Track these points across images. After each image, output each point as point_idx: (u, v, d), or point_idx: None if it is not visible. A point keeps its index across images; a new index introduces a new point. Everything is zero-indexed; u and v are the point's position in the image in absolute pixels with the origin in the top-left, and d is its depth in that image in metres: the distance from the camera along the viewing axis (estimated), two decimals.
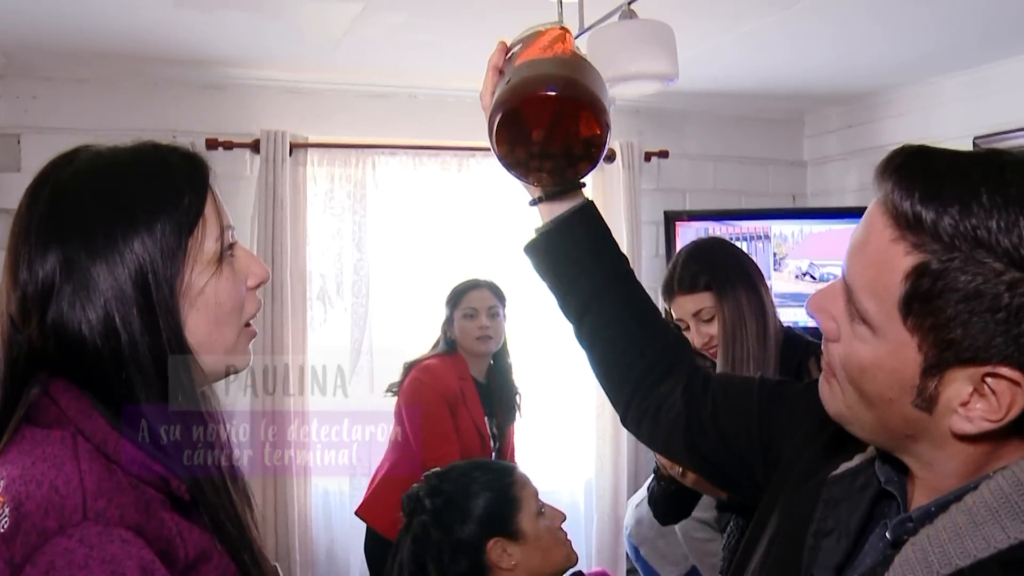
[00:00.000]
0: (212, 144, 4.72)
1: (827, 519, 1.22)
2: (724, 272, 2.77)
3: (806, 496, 1.29)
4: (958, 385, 1.02)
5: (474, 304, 4.17)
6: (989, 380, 1.00)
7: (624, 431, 5.08)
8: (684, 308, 2.81)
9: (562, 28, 1.62)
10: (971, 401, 1.02)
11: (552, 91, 1.46)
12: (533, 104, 1.49)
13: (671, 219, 5.52)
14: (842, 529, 1.19)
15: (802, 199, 5.99)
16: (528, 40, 1.62)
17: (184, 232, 1.26)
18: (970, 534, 1.01)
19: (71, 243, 1.22)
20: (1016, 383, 0.98)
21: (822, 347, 1.19)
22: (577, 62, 1.54)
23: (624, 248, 5.05)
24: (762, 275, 2.88)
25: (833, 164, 5.83)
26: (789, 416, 1.49)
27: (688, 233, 5.43)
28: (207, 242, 1.29)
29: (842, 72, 4.96)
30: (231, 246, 1.33)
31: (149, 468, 1.20)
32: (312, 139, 4.97)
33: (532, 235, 1.78)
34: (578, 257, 1.71)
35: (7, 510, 1.11)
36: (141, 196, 1.26)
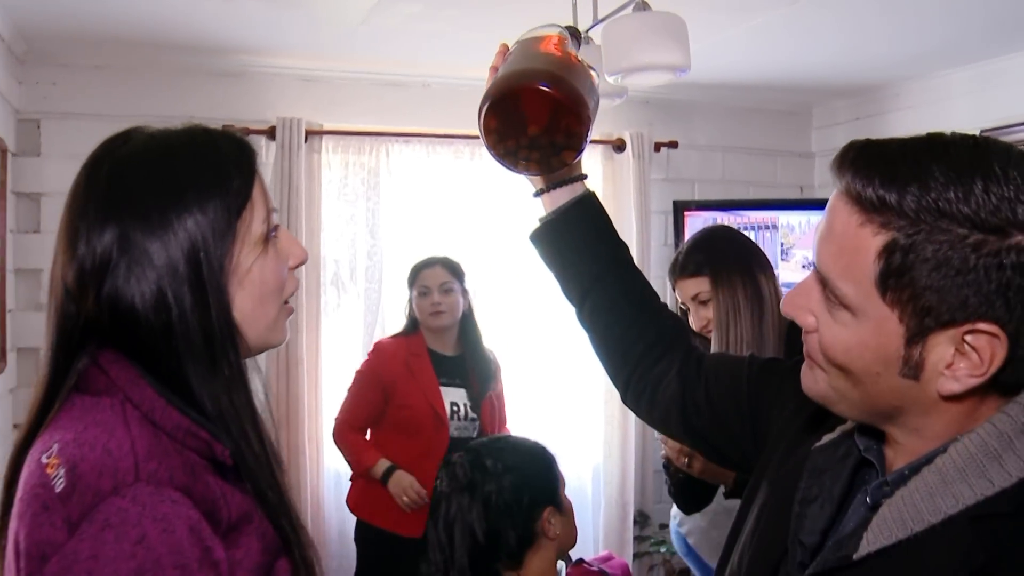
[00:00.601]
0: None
1: (812, 487, 1.29)
2: (722, 259, 2.89)
3: (792, 467, 1.37)
4: (941, 349, 1.09)
5: (427, 282, 4.31)
6: (968, 338, 1.07)
7: (632, 417, 5.15)
8: (685, 291, 2.96)
9: (559, 33, 1.71)
10: (955, 362, 1.09)
11: (533, 83, 1.55)
12: (516, 95, 1.58)
13: (680, 208, 5.59)
14: (826, 496, 1.27)
15: (809, 190, 6.04)
16: (524, 43, 1.71)
17: (233, 214, 1.32)
18: (941, 493, 1.09)
19: (127, 220, 1.28)
20: (994, 335, 1.05)
21: (803, 337, 1.25)
22: (564, 60, 1.63)
23: (633, 237, 5.19)
24: (767, 265, 2.98)
25: None
26: (777, 392, 1.57)
27: (696, 223, 5.49)
28: (255, 224, 1.35)
29: (850, 65, 5.01)
30: (275, 228, 1.39)
31: (194, 435, 1.26)
32: (327, 127, 5.04)
33: (536, 224, 1.87)
34: (578, 245, 1.80)
35: (63, 472, 1.17)
36: (194, 177, 1.31)
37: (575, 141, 1.62)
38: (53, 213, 4.56)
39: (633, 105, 5.45)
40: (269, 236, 1.37)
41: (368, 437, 4.34)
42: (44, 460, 1.20)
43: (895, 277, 1.08)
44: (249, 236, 1.34)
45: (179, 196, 1.29)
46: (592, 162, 5.44)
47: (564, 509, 2.34)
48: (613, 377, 1.84)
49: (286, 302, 1.44)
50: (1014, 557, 1.03)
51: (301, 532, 1.39)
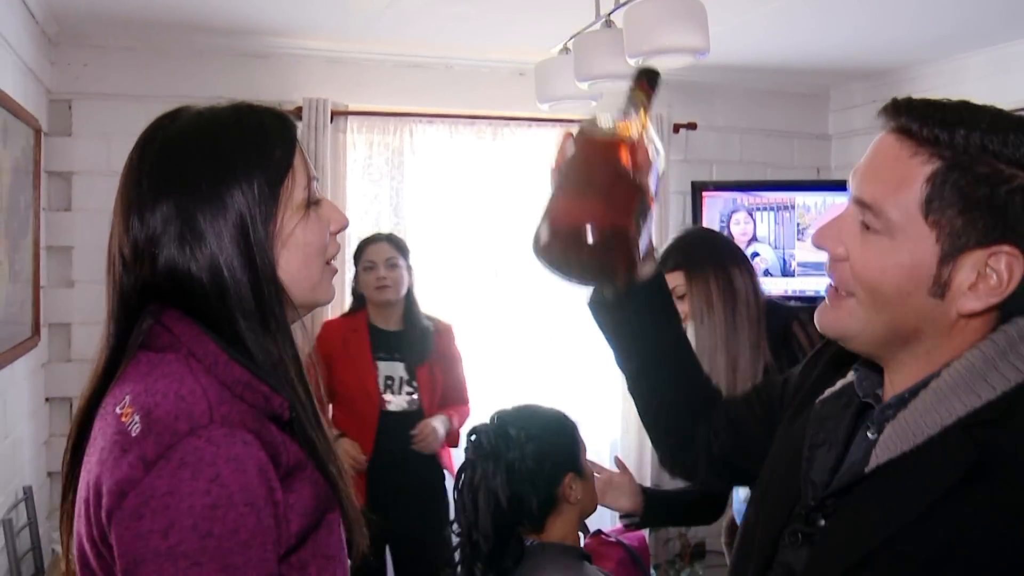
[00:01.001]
0: None
1: (818, 434, 1.45)
2: (695, 255, 3.03)
3: (799, 424, 1.53)
4: (967, 270, 1.25)
5: (372, 257, 4.35)
6: (992, 260, 1.24)
7: None
8: None
9: (629, 138, 1.59)
10: (977, 282, 1.25)
11: (586, 228, 1.56)
12: (575, 232, 1.58)
13: (698, 189, 5.64)
14: (831, 440, 1.43)
15: (826, 172, 6.08)
16: (585, 158, 1.64)
17: (276, 182, 1.42)
18: (936, 408, 1.26)
19: (179, 193, 1.38)
20: (1015, 256, 1.23)
21: (828, 273, 1.39)
22: (625, 187, 1.57)
23: (652, 217, 5.23)
24: (743, 260, 3.10)
25: (857, 138, 5.92)
26: (783, 384, 1.74)
27: (715, 203, 5.56)
28: (296, 191, 1.44)
29: (867, 48, 5.06)
30: (316, 196, 1.49)
31: (253, 388, 1.35)
32: (352, 107, 5.13)
33: (595, 294, 1.90)
34: (640, 330, 1.86)
35: (137, 418, 1.27)
36: (240, 150, 1.41)
37: (631, 265, 1.61)
38: (84, 192, 4.68)
39: None
40: (310, 202, 1.47)
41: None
42: (118, 411, 1.30)
43: (939, 200, 1.24)
44: (291, 202, 1.44)
45: (226, 168, 1.39)
46: None
47: (585, 475, 2.43)
48: (655, 442, 2.00)
49: (329, 263, 1.53)
50: (1000, 454, 1.19)
51: (346, 477, 1.49)
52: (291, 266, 1.45)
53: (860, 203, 1.32)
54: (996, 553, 1.16)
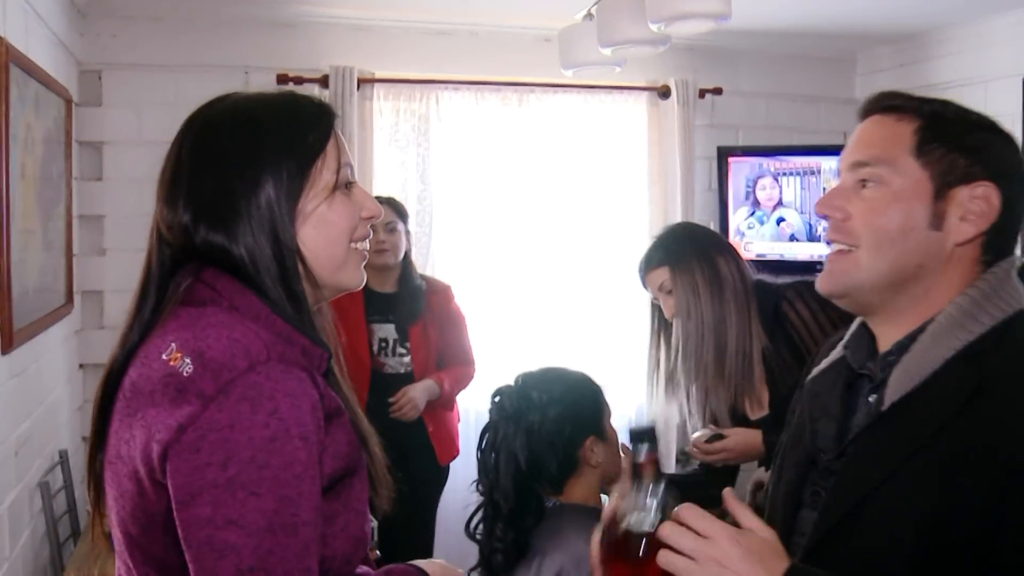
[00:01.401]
0: (283, 79, 4.92)
1: (814, 409, 1.61)
2: (678, 248, 3.08)
3: (797, 408, 1.70)
4: (958, 203, 1.47)
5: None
6: (975, 193, 1.46)
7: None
8: (652, 284, 3.16)
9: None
10: (967, 213, 1.47)
11: None
12: None
13: (724, 154, 5.65)
14: (827, 412, 1.58)
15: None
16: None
17: (306, 165, 1.51)
18: (936, 346, 1.44)
19: (217, 168, 1.49)
20: (991, 188, 1.46)
21: (828, 240, 1.56)
22: None
23: (678, 182, 5.31)
24: (727, 248, 3.18)
25: None
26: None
27: (741, 168, 5.56)
28: (325, 173, 1.53)
29: (894, 11, 5.02)
30: (349, 183, 1.57)
31: (294, 340, 1.45)
32: (379, 75, 5.16)
33: None
34: None
35: (188, 360, 1.35)
36: (275, 132, 1.51)
37: None
38: (114, 161, 4.74)
39: (678, 52, 5.50)
40: (339, 185, 1.54)
41: None
42: (164, 357, 1.37)
43: (927, 144, 1.48)
44: (319, 182, 1.52)
45: (260, 147, 1.50)
46: (637, 108, 5.53)
47: (608, 438, 2.45)
48: None
49: (357, 248, 1.60)
50: (998, 376, 1.37)
51: (374, 440, 1.59)
52: (315, 243, 1.53)
53: (858, 164, 1.53)
54: (999, 456, 1.31)
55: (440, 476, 4.41)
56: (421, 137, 5.23)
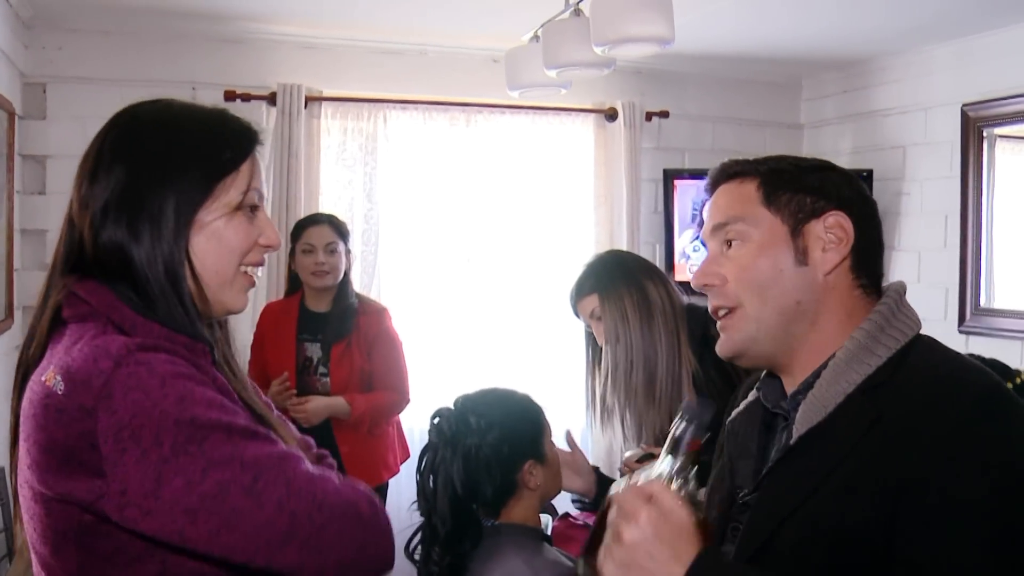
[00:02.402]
0: (230, 96, 4.91)
1: (733, 448, 1.70)
2: (607, 277, 3.11)
3: (721, 445, 1.79)
4: (815, 235, 1.57)
5: (312, 240, 4.22)
6: (828, 224, 1.56)
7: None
8: (584, 310, 3.16)
9: None
10: (826, 244, 1.56)
11: None
12: None
13: (670, 177, 5.71)
14: (745, 452, 1.67)
15: None
16: None
17: (215, 177, 1.54)
18: (837, 381, 1.51)
19: (129, 164, 1.51)
20: (840, 216, 1.56)
21: (713, 311, 1.65)
22: None
23: (624, 204, 5.34)
24: (657, 273, 3.19)
25: (829, 127, 5.98)
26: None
27: (687, 191, 5.62)
28: (232, 191, 1.55)
29: (839, 38, 5.11)
30: (254, 207, 1.59)
31: (174, 340, 1.47)
32: (327, 93, 5.17)
33: None
34: None
35: (59, 378, 1.36)
36: (192, 140, 1.55)
37: None
38: (58, 175, 4.70)
39: (625, 75, 5.56)
40: (243, 206, 1.56)
41: None
42: (43, 379, 1.39)
43: (772, 192, 1.59)
44: (224, 198, 1.54)
45: (175, 152, 1.53)
46: (584, 130, 5.57)
47: (547, 460, 2.44)
48: None
49: (246, 272, 1.62)
50: (893, 406, 1.44)
51: (275, 420, 1.62)
52: (205, 255, 1.54)
53: (718, 227, 1.63)
54: (892, 477, 1.38)
55: None
56: (368, 156, 5.22)
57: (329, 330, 4.26)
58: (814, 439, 1.50)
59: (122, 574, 1.41)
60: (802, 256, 1.56)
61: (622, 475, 3.15)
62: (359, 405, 4.16)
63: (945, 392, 1.44)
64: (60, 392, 1.35)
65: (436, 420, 2.41)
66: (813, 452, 1.49)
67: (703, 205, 1.72)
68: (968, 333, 4.76)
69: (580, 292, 3.15)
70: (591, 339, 3.22)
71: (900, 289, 1.61)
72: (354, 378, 4.23)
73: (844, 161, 5.70)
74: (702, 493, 1.51)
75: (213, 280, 1.56)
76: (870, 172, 5.28)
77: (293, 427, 1.85)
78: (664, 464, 1.43)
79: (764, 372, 1.71)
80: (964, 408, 1.40)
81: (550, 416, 2.56)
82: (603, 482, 2.97)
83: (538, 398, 2.53)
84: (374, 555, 1.51)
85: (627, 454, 3.08)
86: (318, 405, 4.12)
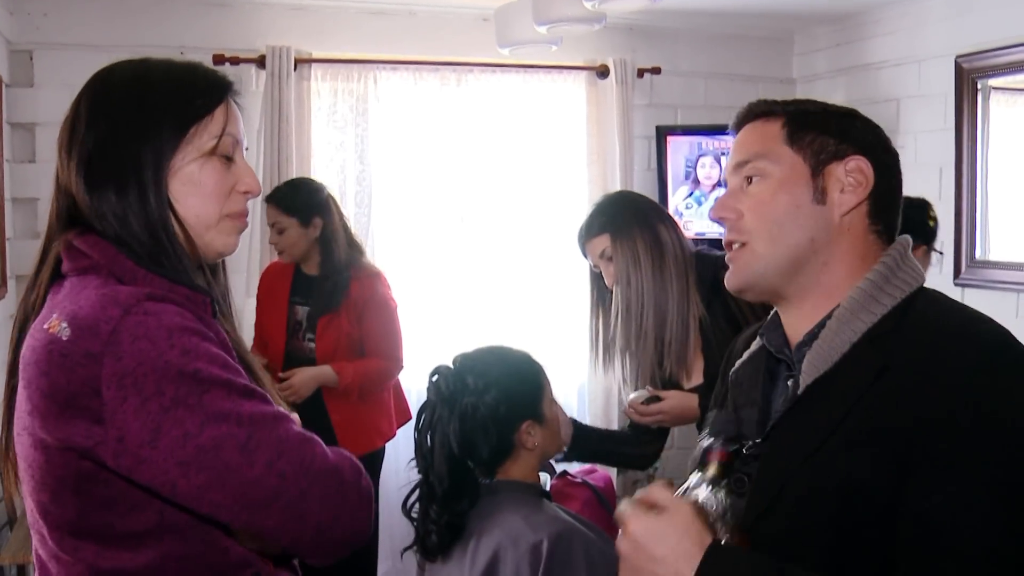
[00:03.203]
0: (219, 60, 4.86)
1: (739, 396, 1.69)
2: (619, 218, 3.08)
3: (723, 395, 1.79)
4: (835, 177, 1.59)
5: (267, 220, 4.27)
6: (849, 167, 1.58)
7: None
8: (593, 252, 3.15)
9: None
10: (845, 186, 1.58)
11: None
12: None
13: (663, 133, 5.68)
14: (750, 400, 1.67)
15: None
16: None
17: (186, 123, 1.57)
18: (843, 330, 1.52)
19: (108, 117, 1.55)
20: (862, 161, 1.58)
21: (726, 243, 1.67)
22: None
23: (617, 161, 5.33)
24: (667, 217, 3.21)
25: (821, 82, 5.95)
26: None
27: (680, 147, 5.60)
28: (204, 136, 1.58)
29: None
30: (229, 156, 1.62)
31: (176, 291, 1.50)
32: (316, 55, 5.12)
33: None
34: None
35: (64, 324, 1.39)
36: (163, 92, 1.58)
37: None
38: (48, 143, 4.65)
39: (616, 31, 5.53)
40: (217, 151, 1.59)
41: None
42: (45, 327, 1.41)
43: (796, 132, 1.61)
44: (197, 142, 1.57)
45: (146, 101, 1.56)
46: (576, 88, 5.54)
47: (546, 421, 2.45)
48: None
49: (232, 218, 1.64)
50: (900, 355, 1.44)
51: (264, 378, 1.66)
52: (184, 199, 1.58)
53: (739, 165, 1.65)
54: (899, 428, 1.38)
55: None
56: (359, 117, 5.19)
57: (317, 300, 4.24)
58: (820, 389, 1.51)
59: (120, 521, 1.44)
60: (820, 195, 1.59)
61: (628, 418, 3.16)
62: (347, 374, 4.14)
63: (954, 342, 1.44)
64: (65, 338, 1.37)
65: (435, 378, 2.41)
66: (820, 403, 1.50)
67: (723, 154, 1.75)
68: (964, 286, 4.75)
69: (590, 232, 3.13)
70: (597, 280, 3.21)
71: (905, 242, 1.61)
72: (341, 346, 4.21)
73: None
74: (734, 501, 1.50)
75: (197, 224, 1.59)
76: None
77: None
78: (693, 478, 1.48)
79: (767, 322, 1.72)
80: (973, 358, 1.40)
81: (551, 373, 2.55)
82: (579, 434, 2.98)
83: (534, 355, 2.53)
84: (349, 523, 1.53)
85: (631, 395, 3.07)
86: (305, 377, 4.09)
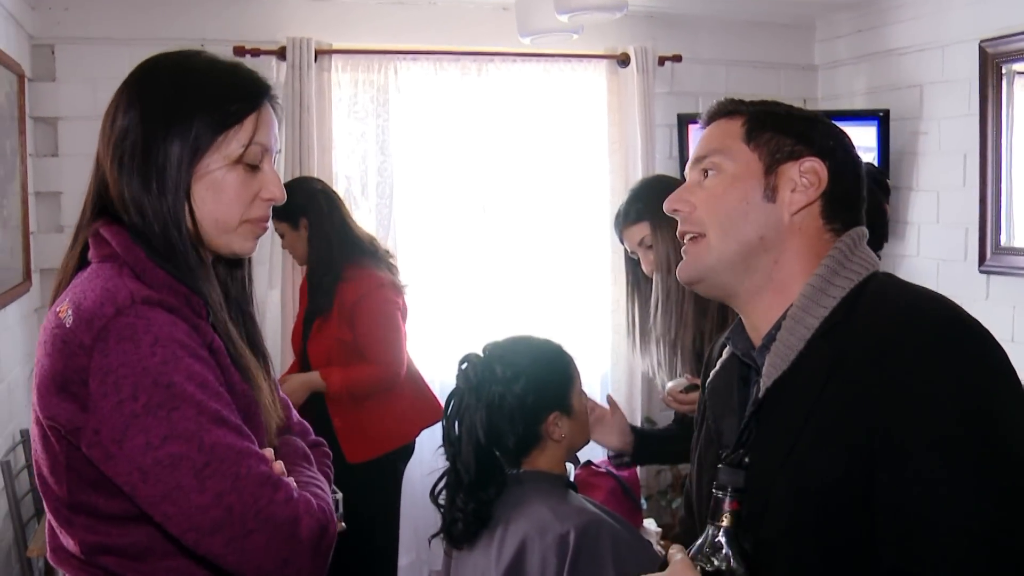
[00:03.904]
0: (239, 52, 4.87)
1: (716, 406, 1.72)
2: (657, 202, 3.02)
3: (703, 406, 1.81)
4: (787, 177, 1.61)
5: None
6: (803, 168, 1.61)
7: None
8: (631, 238, 3.13)
9: None
10: (797, 186, 1.61)
11: None
12: None
13: (684, 122, 5.65)
14: (727, 409, 1.69)
15: (812, 103, 6.07)
16: None
17: (217, 127, 1.62)
18: (796, 328, 1.54)
19: (143, 106, 1.61)
20: (817, 162, 1.61)
21: (681, 235, 1.70)
22: None
23: (639, 150, 5.32)
24: None
25: (843, 68, 5.91)
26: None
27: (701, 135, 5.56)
28: (233, 143, 1.63)
29: None
30: (256, 165, 1.66)
31: (175, 288, 1.56)
32: (336, 46, 5.12)
33: None
34: None
35: (70, 311, 1.48)
36: (201, 89, 1.63)
37: None
38: (70, 137, 4.68)
39: (637, 19, 5.51)
40: (243, 160, 1.64)
41: None
42: (57, 309, 1.51)
43: (755, 130, 1.64)
44: (225, 149, 1.63)
45: (183, 98, 1.61)
46: (597, 77, 5.52)
47: (574, 412, 2.44)
48: None
49: (252, 222, 1.70)
50: (852, 346, 1.46)
51: (258, 371, 1.71)
52: (204, 204, 1.63)
53: (698, 159, 1.68)
54: (860, 422, 1.40)
55: (358, 475, 3.79)
56: (380, 108, 5.19)
57: (309, 303, 4.24)
58: (781, 390, 1.53)
59: (106, 504, 1.52)
60: (771, 193, 1.61)
61: (668, 406, 3.14)
62: (334, 381, 4.07)
63: (902, 326, 1.45)
64: (68, 325, 1.47)
65: (464, 366, 2.41)
66: (783, 404, 1.52)
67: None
68: (989, 272, 4.72)
69: (627, 219, 3.11)
70: (632, 266, 3.19)
71: (857, 234, 1.63)
72: (332, 351, 4.15)
73: (860, 101, 5.66)
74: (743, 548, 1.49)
75: (213, 228, 1.65)
76: (887, 112, 5.23)
77: (294, 412, 1.95)
78: (708, 530, 1.48)
79: (734, 324, 1.75)
80: (924, 340, 1.41)
81: (580, 364, 2.54)
82: (641, 439, 2.96)
83: (566, 346, 2.52)
84: (294, 574, 1.55)
85: (670, 384, 3.05)
86: (294, 384, 4.04)
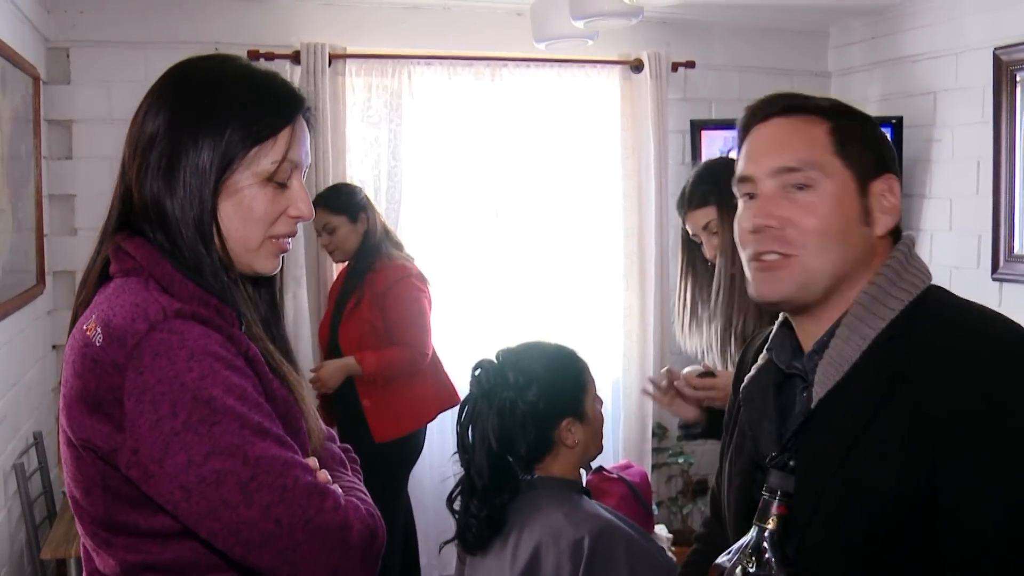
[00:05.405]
0: (254, 56, 4.88)
1: (752, 412, 1.67)
2: (727, 187, 2.99)
3: (736, 411, 1.77)
4: (876, 196, 1.56)
5: (316, 225, 4.44)
6: (883, 186, 1.56)
7: (651, 332, 5.25)
8: (695, 222, 3.08)
9: None
10: (883, 205, 1.56)
11: None
12: None
13: (697, 128, 5.65)
14: (764, 415, 1.64)
15: None
16: None
17: (248, 142, 1.55)
18: (853, 337, 1.50)
19: (172, 111, 1.55)
20: (894, 180, 1.57)
21: (761, 252, 1.58)
22: None
23: (652, 156, 5.31)
24: None
25: (857, 75, 5.90)
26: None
27: (714, 141, 5.56)
28: (264, 160, 1.57)
29: None
30: (285, 183, 1.61)
31: (206, 301, 1.51)
32: (350, 50, 5.13)
33: None
34: None
35: (99, 330, 1.43)
36: (234, 100, 1.57)
37: None
38: (84, 140, 4.70)
39: (651, 25, 5.51)
40: (274, 177, 1.58)
41: None
42: (84, 327, 1.45)
43: (843, 142, 1.55)
44: (255, 166, 1.57)
45: (214, 107, 1.55)
46: (610, 82, 5.52)
47: (588, 419, 2.42)
48: None
49: (276, 240, 1.64)
50: (911, 359, 1.43)
51: (299, 384, 1.67)
52: (231, 220, 1.58)
53: (786, 170, 1.55)
54: (923, 436, 1.38)
55: (383, 453, 4.18)
56: (393, 113, 5.19)
57: (345, 291, 4.47)
58: (836, 399, 1.49)
59: (147, 522, 1.47)
60: (866, 215, 1.55)
61: (678, 390, 3.13)
62: (369, 363, 4.31)
63: (968, 341, 1.43)
64: (98, 344, 1.42)
65: (477, 372, 2.40)
66: (838, 414, 1.49)
67: (740, 140, 1.70)
68: (1002, 280, 4.70)
69: (692, 202, 3.07)
70: (689, 246, 3.17)
71: (910, 241, 1.59)
72: (365, 335, 4.39)
73: (873, 108, 5.64)
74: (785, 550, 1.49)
75: (238, 246, 1.59)
76: (900, 119, 5.21)
77: (320, 422, 1.89)
78: (752, 532, 1.47)
79: (772, 334, 1.71)
80: (989, 357, 1.39)
81: (594, 370, 2.53)
82: (710, 415, 2.94)
83: (580, 351, 2.51)
84: None
85: (686, 370, 3.03)
86: (332, 369, 4.33)
